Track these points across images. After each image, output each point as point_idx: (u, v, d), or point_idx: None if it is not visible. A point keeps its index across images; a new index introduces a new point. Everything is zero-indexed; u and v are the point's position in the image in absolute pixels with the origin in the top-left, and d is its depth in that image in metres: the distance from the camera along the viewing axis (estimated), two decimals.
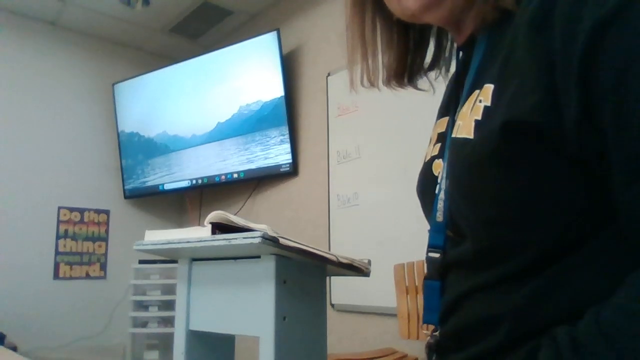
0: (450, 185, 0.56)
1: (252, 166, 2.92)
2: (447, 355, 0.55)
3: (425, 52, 0.70)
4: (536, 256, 0.48)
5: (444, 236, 0.58)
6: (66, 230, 3.22)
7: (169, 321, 2.96)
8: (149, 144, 3.40)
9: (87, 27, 3.37)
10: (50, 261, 3.15)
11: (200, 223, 0.84)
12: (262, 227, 0.74)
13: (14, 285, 2.96)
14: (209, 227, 0.80)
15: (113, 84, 3.46)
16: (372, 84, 0.69)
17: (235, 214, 0.80)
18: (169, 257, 1.03)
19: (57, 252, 3.17)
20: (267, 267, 0.79)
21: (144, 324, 3.00)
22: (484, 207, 0.51)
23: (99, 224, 3.36)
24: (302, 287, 0.83)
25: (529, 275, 0.48)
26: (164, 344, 2.99)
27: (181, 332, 0.93)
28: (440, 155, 0.63)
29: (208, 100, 3.13)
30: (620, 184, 0.42)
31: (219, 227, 0.80)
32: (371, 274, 0.95)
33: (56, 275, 3.15)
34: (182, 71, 3.26)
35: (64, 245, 3.20)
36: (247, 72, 2.97)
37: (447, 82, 0.72)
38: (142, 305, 3.00)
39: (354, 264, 0.88)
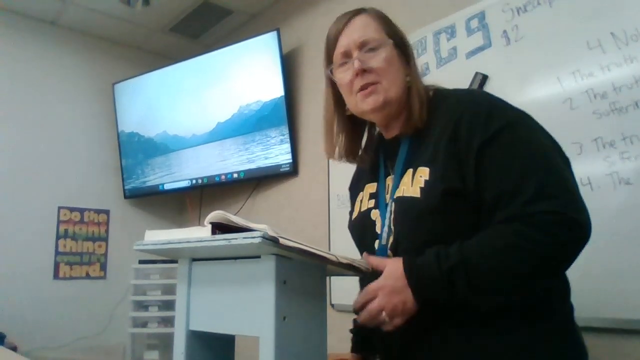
0: (399, 223, 0.93)
1: (252, 166, 2.92)
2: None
3: (361, 139, 1.11)
4: None
5: (386, 254, 0.95)
6: (66, 230, 3.22)
7: (169, 321, 2.96)
8: (149, 143, 3.40)
9: (87, 27, 3.37)
10: (50, 261, 3.14)
11: (200, 223, 0.84)
12: (262, 227, 0.74)
13: (14, 285, 2.96)
14: (209, 227, 0.80)
15: (113, 84, 3.46)
16: (333, 158, 1.09)
17: (235, 214, 0.80)
18: (169, 257, 1.03)
19: (57, 252, 3.17)
20: (268, 267, 0.78)
21: (144, 324, 2.99)
22: (424, 234, 0.89)
23: (99, 224, 3.35)
24: (302, 287, 0.82)
25: None
26: (164, 344, 2.99)
27: (181, 332, 0.92)
28: (376, 206, 1.01)
29: (208, 100, 3.13)
30: (491, 210, 0.86)
31: (219, 227, 0.80)
32: None
33: (56, 275, 3.15)
34: (182, 71, 3.26)
35: (64, 245, 3.20)
36: (247, 72, 2.97)
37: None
38: (142, 305, 3.00)
39: (354, 264, 0.88)
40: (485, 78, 1.88)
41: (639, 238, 1.42)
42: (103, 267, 3.32)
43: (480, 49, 1.92)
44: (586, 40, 1.61)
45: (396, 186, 0.96)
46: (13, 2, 3.07)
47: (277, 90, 2.83)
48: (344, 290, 2.38)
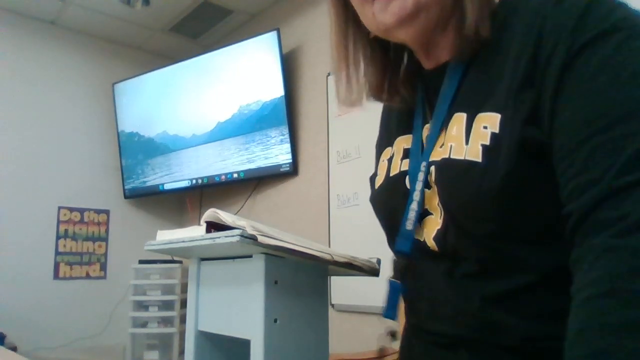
0: (446, 201, 0.58)
1: (252, 166, 2.91)
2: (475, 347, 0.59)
3: (389, 72, 0.72)
4: (542, 274, 0.54)
5: (410, 243, 0.63)
6: (66, 230, 3.22)
7: (169, 321, 2.96)
8: (149, 143, 3.40)
9: (87, 26, 3.36)
10: (50, 261, 3.14)
11: (200, 223, 0.83)
12: (241, 225, 0.71)
13: (14, 285, 2.96)
14: (204, 225, 0.79)
15: (113, 84, 3.46)
16: (354, 103, 0.70)
17: (235, 214, 0.79)
18: (180, 256, 1.02)
19: (57, 252, 3.17)
20: (257, 266, 0.76)
21: (144, 324, 2.99)
22: (485, 223, 0.55)
23: (99, 224, 3.35)
24: (297, 287, 0.80)
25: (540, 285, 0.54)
26: (164, 344, 2.99)
27: (190, 332, 0.91)
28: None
29: (208, 100, 3.13)
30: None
31: (216, 226, 0.79)
32: None
33: (56, 275, 3.15)
34: (182, 71, 3.25)
35: (64, 245, 3.20)
36: (247, 72, 2.96)
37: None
38: (142, 305, 3.00)
39: (355, 263, 0.86)
40: None
41: None
42: (103, 267, 3.32)
43: None
44: None
45: (433, 141, 0.62)
46: (13, 1, 3.07)
47: (277, 90, 2.83)
48: (344, 290, 2.38)
